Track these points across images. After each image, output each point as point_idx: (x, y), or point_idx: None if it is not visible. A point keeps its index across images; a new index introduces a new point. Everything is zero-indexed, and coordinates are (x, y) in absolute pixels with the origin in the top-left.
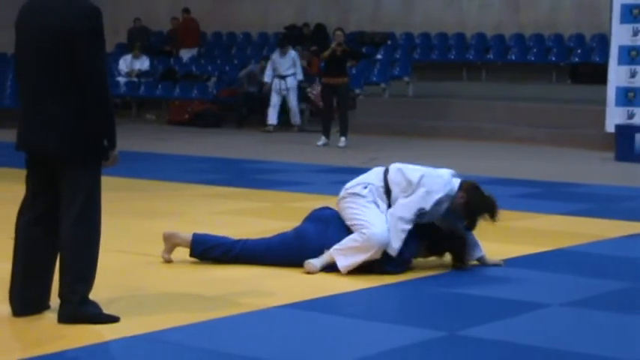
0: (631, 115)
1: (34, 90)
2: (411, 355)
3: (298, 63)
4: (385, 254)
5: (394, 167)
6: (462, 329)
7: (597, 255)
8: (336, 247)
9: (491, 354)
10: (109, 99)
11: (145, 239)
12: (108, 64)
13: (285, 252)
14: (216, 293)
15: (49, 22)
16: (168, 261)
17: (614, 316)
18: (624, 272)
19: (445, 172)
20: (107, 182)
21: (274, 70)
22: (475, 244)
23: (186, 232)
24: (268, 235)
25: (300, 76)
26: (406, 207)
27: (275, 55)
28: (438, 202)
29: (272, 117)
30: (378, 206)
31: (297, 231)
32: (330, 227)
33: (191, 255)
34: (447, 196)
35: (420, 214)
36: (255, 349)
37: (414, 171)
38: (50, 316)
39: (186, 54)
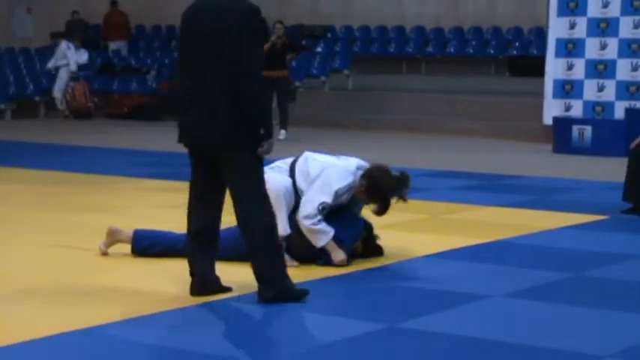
0: (568, 108)
1: (201, 85)
2: (351, 348)
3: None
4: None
5: (304, 155)
6: (401, 321)
7: (536, 246)
8: None
9: (431, 346)
10: (264, 91)
11: (85, 233)
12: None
13: (232, 245)
14: (156, 287)
15: (214, 21)
16: (104, 253)
17: (554, 307)
18: (563, 263)
19: (352, 163)
20: (47, 177)
21: None
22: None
23: (128, 229)
24: None
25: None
26: (308, 204)
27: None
28: (337, 194)
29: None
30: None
31: None
32: None
33: (133, 252)
34: (349, 187)
35: (324, 207)
36: (196, 343)
37: (317, 163)
38: None
39: (113, 47)
